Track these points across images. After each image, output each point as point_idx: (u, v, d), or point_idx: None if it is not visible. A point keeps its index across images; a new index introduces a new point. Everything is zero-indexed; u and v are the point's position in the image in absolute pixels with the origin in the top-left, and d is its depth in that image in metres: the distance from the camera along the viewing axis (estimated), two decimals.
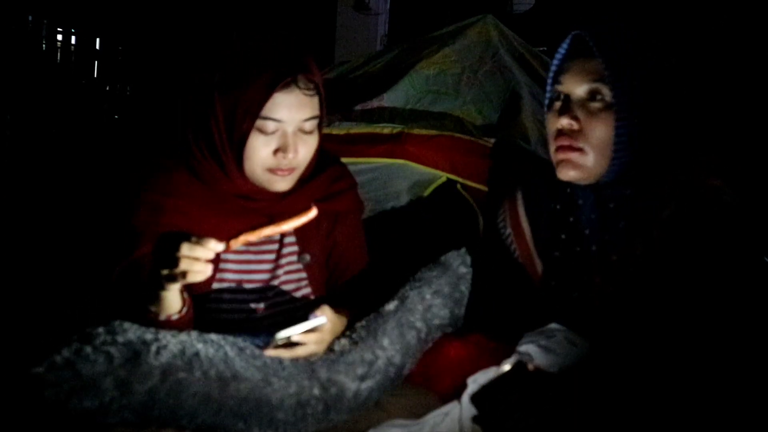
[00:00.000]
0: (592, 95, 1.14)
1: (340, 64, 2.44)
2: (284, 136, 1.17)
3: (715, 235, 1.04)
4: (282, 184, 1.21)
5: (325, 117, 1.25)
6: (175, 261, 0.97)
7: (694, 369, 0.93)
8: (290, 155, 1.17)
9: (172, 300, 1.05)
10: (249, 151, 1.17)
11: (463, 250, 1.29)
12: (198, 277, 0.99)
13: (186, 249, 0.97)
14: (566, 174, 1.17)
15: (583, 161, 1.15)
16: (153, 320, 1.05)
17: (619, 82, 1.11)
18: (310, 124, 1.20)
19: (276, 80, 1.13)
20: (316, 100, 1.20)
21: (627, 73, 1.11)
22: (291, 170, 1.20)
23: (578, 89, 1.15)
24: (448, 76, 2.00)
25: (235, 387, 0.99)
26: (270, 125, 1.16)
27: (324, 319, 1.11)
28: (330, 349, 1.12)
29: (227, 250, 1.03)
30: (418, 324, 1.17)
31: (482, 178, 1.73)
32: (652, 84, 1.11)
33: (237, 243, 1.05)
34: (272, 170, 1.18)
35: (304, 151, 1.20)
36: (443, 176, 1.76)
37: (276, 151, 1.17)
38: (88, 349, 0.94)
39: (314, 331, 1.12)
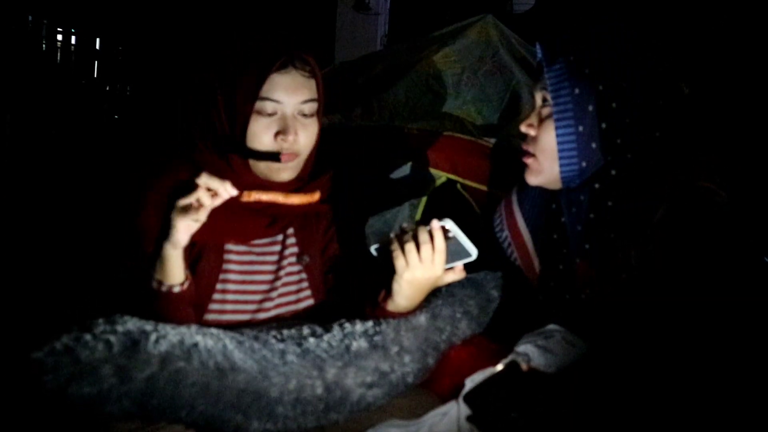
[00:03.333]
0: (544, 102, 1.15)
1: (341, 64, 2.44)
2: (284, 119, 1.19)
3: (706, 236, 1.04)
4: (285, 173, 1.22)
5: (323, 102, 1.25)
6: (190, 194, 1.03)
7: (689, 369, 0.93)
8: (290, 137, 1.18)
9: (176, 262, 1.06)
10: (250, 137, 1.18)
11: (499, 273, 1.27)
12: (218, 201, 1.05)
13: (204, 179, 1.04)
14: (528, 179, 1.20)
15: (537, 167, 1.17)
16: (156, 293, 1.06)
17: (554, 87, 1.11)
18: (309, 108, 1.21)
19: (272, 60, 1.16)
20: (313, 83, 1.22)
21: (566, 81, 1.11)
22: (293, 156, 1.21)
23: (536, 96, 1.18)
24: (448, 76, 2.00)
25: (233, 378, 0.98)
26: (268, 107, 1.18)
27: (476, 252, 1.10)
28: (346, 347, 1.08)
29: (239, 197, 1.09)
30: (442, 346, 1.15)
31: (482, 178, 1.74)
32: (600, 91, 1.09)
33: (249, 197, 1.16)
34: None
35: (305, 135, 1.21)
36: (443, 176, 1.76)
37: (276, 135, 1.19)
38: (88, 337, 0.94)
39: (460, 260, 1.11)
